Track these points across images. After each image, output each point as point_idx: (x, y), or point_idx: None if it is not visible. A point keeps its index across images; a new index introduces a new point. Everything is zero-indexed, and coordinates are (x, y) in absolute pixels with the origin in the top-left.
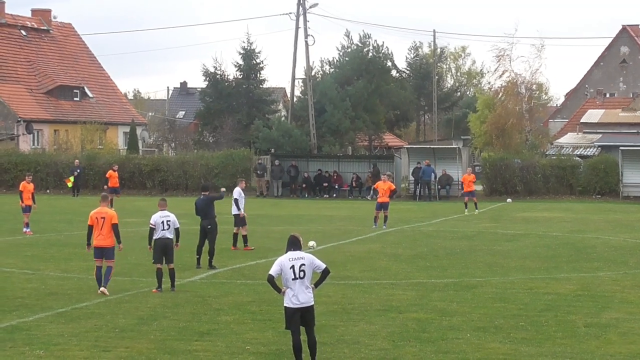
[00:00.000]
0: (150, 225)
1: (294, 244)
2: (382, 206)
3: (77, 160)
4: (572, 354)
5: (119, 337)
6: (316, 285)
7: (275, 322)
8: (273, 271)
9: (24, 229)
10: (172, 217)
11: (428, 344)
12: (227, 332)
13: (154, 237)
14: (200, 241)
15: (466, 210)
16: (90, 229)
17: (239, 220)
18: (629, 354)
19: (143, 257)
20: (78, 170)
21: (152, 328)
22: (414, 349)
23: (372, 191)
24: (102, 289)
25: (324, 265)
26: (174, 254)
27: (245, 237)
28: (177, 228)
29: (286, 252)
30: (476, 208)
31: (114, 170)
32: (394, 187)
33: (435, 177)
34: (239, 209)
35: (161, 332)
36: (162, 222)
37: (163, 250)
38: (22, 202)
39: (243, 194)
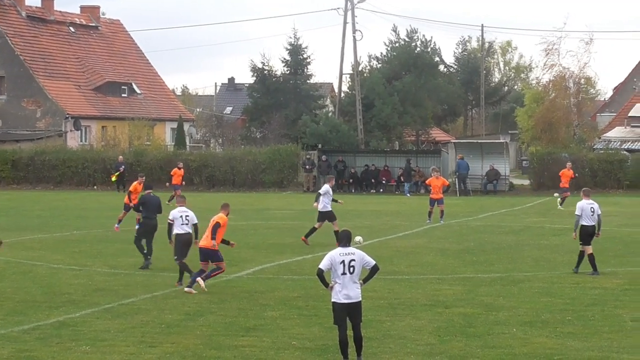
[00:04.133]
0: (169, 221)
1: (345, 239)
2: (437, 201)
3: (120, 157)
4: (618, 348)
5: (165, 333)
6: (364, 281)
7: (321, 318)
8: (323, 265)
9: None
10: (191, 213)
11: (474, 338)
12: (273, 328)
13: (174, 232)
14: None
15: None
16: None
17: (332, 216)
18: None
19: (190, 254)
20: (123, 167)
21: (199, 323)
22: (460, 344)
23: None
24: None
25: (373, 262)
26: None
27: (336, 232)
28: (196, 224)
29: (337, 247)
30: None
31: (179, 168)
32: (448, 182)
33: (464, 170)
34: (326, 202)
35: (207, 327)
36: (181, 216)
37: (186, 244)
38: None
39: (331, 192)
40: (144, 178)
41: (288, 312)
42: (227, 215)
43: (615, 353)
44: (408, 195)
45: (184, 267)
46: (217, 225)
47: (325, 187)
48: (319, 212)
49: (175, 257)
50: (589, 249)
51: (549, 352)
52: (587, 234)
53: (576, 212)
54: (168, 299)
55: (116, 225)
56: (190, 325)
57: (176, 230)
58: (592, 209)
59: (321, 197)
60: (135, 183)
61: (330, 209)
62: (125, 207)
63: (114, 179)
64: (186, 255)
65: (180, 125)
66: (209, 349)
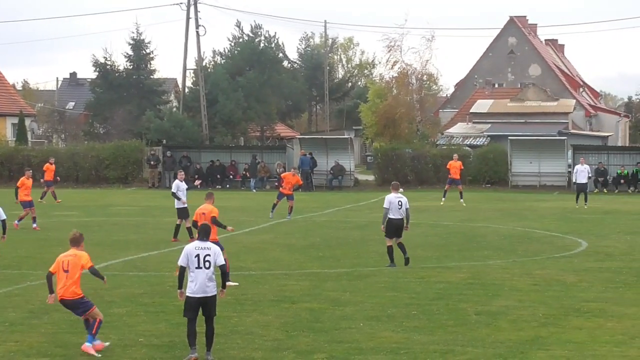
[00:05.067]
0: None
1: (203, 233)
2: (287, 197)
3: None
4: (463, 341)
5: (8, 331)
6: (223, 286)
7: (168, 314)
8: (181, 261)
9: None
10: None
11: (321, 333)
12: (119, 325)
13: None
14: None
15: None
16: (195, 223)
17: (183, 213)
18: (518, 340)
19: (33, 250)
20: None
21: (43, 321)
22: (308, 339)
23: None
24: None
25: (223, 262)
26: None
27: (189, 229)
28: (4, 220)
29: (195, 241)
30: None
31: (51, 164)
32: (301, 182)
33: (307, 166)
34: (179, 199)
35: (52, 325)
36: None
37: None
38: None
39: (183, 186)
40: (31, 172)
41: (134, 308)
42: (212, 204)
43: (460, 346)
44: (254, 190)
45: None
46: (213, 219)
47: (176, 184)
48: (177, 209)
49: None
50: (398, 240)
51: (395, 346)
52: (394, 227)
53: (384, 205)
54: (11, 296)
55: (34, 224)
56: (35, 323)
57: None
58: (400, 203)
59: (180, 193)
60: (22, 178)
61: (186, 205)
62: (24, 204)
63: None
64: None
65: (21, 120)
66: (54, 347)
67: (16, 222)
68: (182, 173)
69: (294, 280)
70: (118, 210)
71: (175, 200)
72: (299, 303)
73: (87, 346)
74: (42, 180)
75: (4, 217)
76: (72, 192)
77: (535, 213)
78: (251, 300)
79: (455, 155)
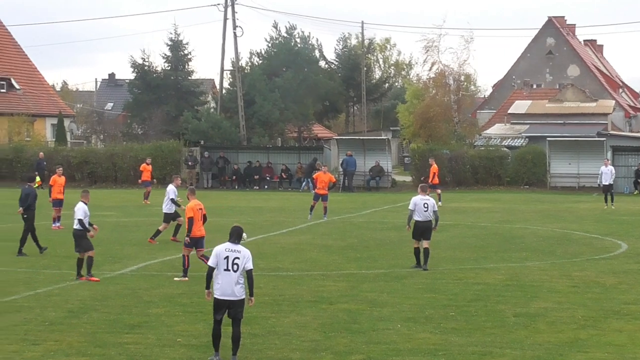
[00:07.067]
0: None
1: (235, 235)
2: (321, 197)
3: (41, 153)
4: (501, 343)
5: (48, 331)
6: (251, 293)
7: (205, 315)
8: (211, 262)
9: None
10: (77, 207)
11: (359, 334)
12: (157, 325)
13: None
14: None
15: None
16: (191, 220)
17: (170, 218)
18: (557, 342)
19: (72, 250)
20: (45, 163)
21: (82, 321)
22: (345, 340)
23: (310, 182)
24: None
25: (251, 266)
26: (87, 243)
27: (178, 226)
28: (80, 219)
29: (226, 242)
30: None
31: (148, 164)
32: (335, 179)
33: (352, 167)
34: (177, 205)
35: (91, 325)
36: (74, 212)
37: (75, 240)
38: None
39: (177, 192)
40: (62, 170)
41: (172, 309)
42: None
43: (498, 348)
44: (304, 190)
45: (78, 262)
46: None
47: (172, 189)
48: (166, 213)
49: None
50: (425, 244)
51: (432, 347)
52: (420, 230)
53: (409, 207)
54: (51, 296)
55: (54, 224)
56: (74, 322)
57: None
58: (426, 205)
59: (165, 198)
60: (54, 176)
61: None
62: (54, 203)
63: (35, 185)
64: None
65: (60, 121)
66: (93, 347)
67: (57, 224)
68: (179, 178)
69: (332, 281)
70: (156, 211)
71: (171, 205)
72: (337, 304)
73: None
74: (139, 181)
75: (79, 216)
76: (111, 193)
77: (573, 214)
78: (289, 301)
79: (431, 159)
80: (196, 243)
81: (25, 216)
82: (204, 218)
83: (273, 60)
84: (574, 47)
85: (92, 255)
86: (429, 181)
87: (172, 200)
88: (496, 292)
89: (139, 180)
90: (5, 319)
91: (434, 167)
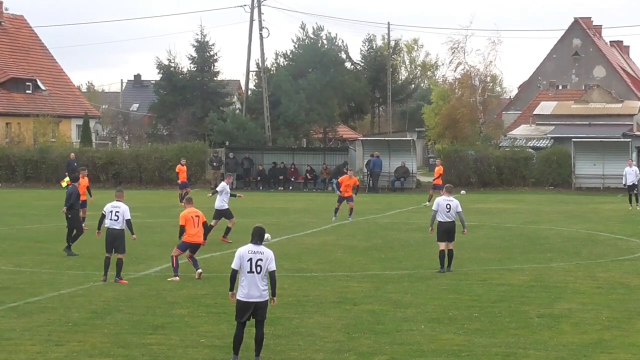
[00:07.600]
0: (103, 212)
1: (257, 236)
2: (346, 198)
3: (72, 154)
4: (525, 344)
5: (72, 331)
6: (273, 294)
7: (229, 315)
8: (235, 264)
9: None
10: (123, 208)
11: (383, 335)
12: (181, 326)
13: (103, 226)
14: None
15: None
16: (182, 228)
17: (221, 215)
18: (581, 343)
19: (97, 251)
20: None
21: (106, 322)
22: (369, 341)
23: (335, 184)
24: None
25: (274, 268)
26: (125, 244)
27: (228, 228)
28: (129, 220)
29: (248, 244)
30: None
31: (182, 165)
32: (359, 183)
33: (378, 168)
34: (224, 200)
35: (115, 325)
36: (111, 211)
37: (111, 240)
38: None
39: (228, 189)
40: (86, 172)
41: (196, 309)
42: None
43: (522, 349)
44: (331, 190)
45: (108, 263)
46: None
47: (222, 185)
48: (216, 210)
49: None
50: (449, 245)
51: (456, 348)
52: (443, 231)
53: (432, 207)
54: (75, 297)
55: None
56: (98, 323)
57: (106, 224)
58: (449, 206)
59: (218, 195)
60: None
61: (227, 207)
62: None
63: (64, 184)
64: (114, 250)
65: (86, 122)
66: (117, 347)
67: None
68: (231, 176)
69: (356, 282)
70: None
71: (222, 202)
72: (361, 305)
73: None
74: (178, 181)
75: (129, 216)
76: (136, 194)
77: (599, 215)
78: (313, 302)
79: (438, 161)
80: (190, 248)
81: (69, 216)
82: (205, 225)
83: (299, 61)
84: (600, 48)
85: (122, 258)
86: (433, 181)
87: (231, 195)
88: (520, 293)
89: (178, 181)
90: (29, 319)
91: (440, 169)
